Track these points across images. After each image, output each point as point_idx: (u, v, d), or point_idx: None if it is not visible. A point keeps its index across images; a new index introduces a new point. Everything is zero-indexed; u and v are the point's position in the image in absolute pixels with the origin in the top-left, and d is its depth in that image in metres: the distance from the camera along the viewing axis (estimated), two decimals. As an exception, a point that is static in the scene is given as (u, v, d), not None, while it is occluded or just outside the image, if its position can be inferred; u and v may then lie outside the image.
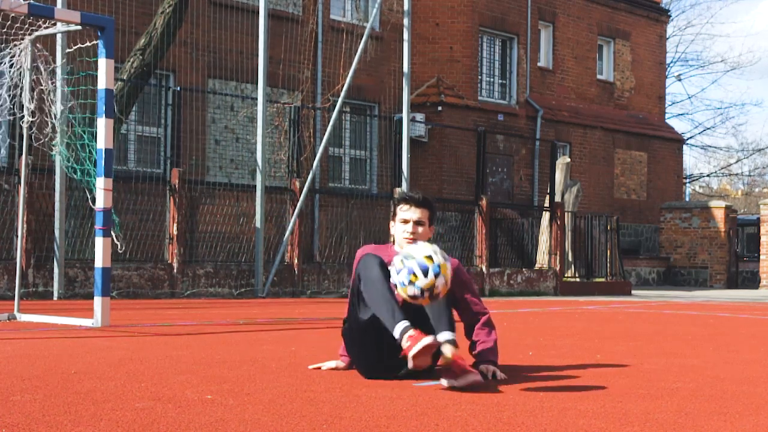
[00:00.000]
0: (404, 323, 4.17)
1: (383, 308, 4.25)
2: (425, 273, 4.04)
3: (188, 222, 13.83)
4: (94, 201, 7.65)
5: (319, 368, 4.76)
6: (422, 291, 4.05)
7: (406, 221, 4.66)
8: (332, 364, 4.78)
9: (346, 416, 3.46)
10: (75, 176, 8.67)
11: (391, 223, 4.79)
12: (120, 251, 8.88)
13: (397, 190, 15.88)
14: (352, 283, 4.72)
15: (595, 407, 3.76)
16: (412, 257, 4.09)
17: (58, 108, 8.45)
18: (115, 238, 8.44)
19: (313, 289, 14.82)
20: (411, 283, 4.05)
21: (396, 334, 4.17)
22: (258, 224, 14.22)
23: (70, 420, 3.29)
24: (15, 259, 11.82)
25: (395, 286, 4.15)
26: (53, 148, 8.68)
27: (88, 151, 8.41)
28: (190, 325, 8.06)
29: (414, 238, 4.63)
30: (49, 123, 8.42)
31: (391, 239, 4.81)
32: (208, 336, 6.96)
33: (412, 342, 4.08)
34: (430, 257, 4.07)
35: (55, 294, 12.03)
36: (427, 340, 4.07)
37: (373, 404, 3.73)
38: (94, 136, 9.16)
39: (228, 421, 3.31)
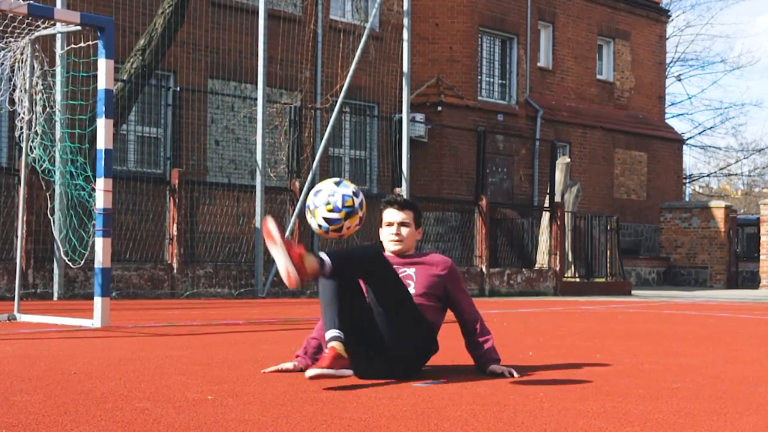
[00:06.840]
0: (336, 332, 4.25)
1: (327, 310, 4.33)
2: (342, 208, 4.31)
3: (188, 222, 13.84)
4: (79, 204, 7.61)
5: (279, 370, 4.62)
6: (332, 221, 4.31)
7: (390, 224, 4.78)
8: (289, 365, 4.66)
9: (346, 416, 3.46)
10: (50, 178, 8.61)
11: (380, 230, 4.87)
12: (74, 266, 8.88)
13: (396, 190, 15.89)
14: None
15: (595, 407, 3.76)
16: (338, 191, 4.32)
17: (40, 108, 8.41)
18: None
19: (313, 289, 14.79)
20: (327, 209, 4.29)
21: (327, 336, 4.28)
22: (258, 224, 14.22)
23: (70, 420, 3.28)
24: (15, 260, 11.81)
25: (308, 207, 4.34)
26: (33, 150, 8.61)
27: (69, 153, 8.37)
28: (190, 325, 8.06)
29: (399, 240, 4.76)
30: (34, 122, 8.38)
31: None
32: (208, 336, 6.95)
33: (324, 358, 4.18)
34: (351, 199, 4.34)
35: (55, 294, 12.03)
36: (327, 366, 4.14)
37: (373, 404, 3.73)
38: (78, 139, 9.14)
39: (228, 421, 3.31)
